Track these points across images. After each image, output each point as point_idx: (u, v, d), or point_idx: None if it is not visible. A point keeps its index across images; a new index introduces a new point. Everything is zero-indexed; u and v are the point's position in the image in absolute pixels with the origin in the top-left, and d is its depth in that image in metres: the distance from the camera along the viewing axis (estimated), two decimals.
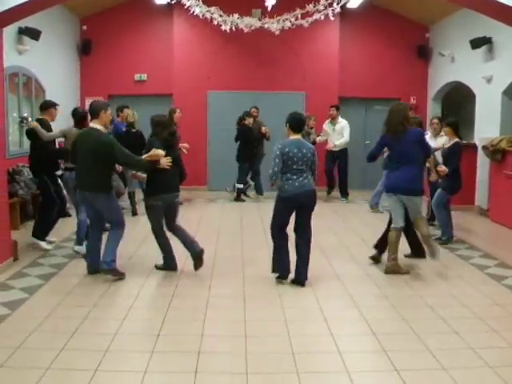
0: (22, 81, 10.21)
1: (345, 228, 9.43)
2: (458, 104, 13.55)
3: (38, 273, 6.44)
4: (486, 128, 10.77)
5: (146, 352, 4.34)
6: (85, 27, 13.44)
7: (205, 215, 10.46)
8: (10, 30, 8.47)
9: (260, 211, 10.73)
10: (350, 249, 7.87)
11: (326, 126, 12.15)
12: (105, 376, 3.96)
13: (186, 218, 10.12)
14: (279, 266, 6.18)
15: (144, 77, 13.74)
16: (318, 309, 5.42)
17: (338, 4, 9.63)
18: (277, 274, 6.22)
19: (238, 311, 5.33)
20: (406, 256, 7.11)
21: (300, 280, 6.09)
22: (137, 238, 8.22)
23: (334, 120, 12.11)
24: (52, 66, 11.62)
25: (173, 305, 5.49)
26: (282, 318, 5.16)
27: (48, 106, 7.95)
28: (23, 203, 9.04)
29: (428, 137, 8.80)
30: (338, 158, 12.05)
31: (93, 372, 3.97)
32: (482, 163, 10.60)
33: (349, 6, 11.58)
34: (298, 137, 6.07)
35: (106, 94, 13.53)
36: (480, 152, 10.48)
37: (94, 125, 6.18)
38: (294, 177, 5.92)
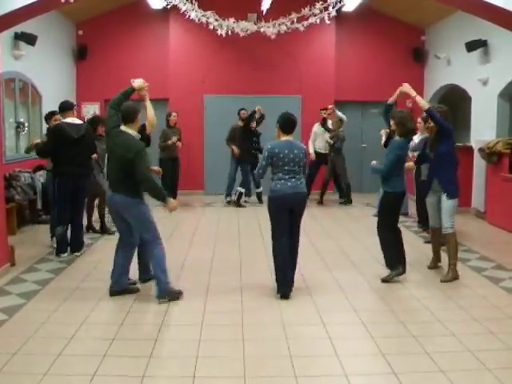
0: (18, 86, 10.21)
1: (341, 231, 9.44)
2: (454, 106, 13.51)
3: (35, 278, 6.43)
4: (482, 130, 10.78)
5: (143, 357, 4.34)
6: (81, 32, 13.44)
7: (202, 219, 10.45)
8: (5, 36, 8.48)
9: (257, 215, 10.72)
10: (346, 252, 7.88)
11: (317, 128, 12.39)
12: (102, 381, 3.95)
13: (183, 222, 10.17)
14: (281, 282, 5.88)
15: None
16: (315, 312, 5.42)
17: (333, 8, 9.61)
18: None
19: (235, 315, 5.33)
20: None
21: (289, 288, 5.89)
22: None
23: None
24: (48, 71, 11.62)
25: (170, 309, 5.49)
26: (279, 321, 5.16)
27: (71, 107, 7.73)
28: (20, 208, 9.03)
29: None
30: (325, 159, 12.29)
31: (90, 377, 3.97)
32: (479, 166, 10.61)
33: (344, 9, 11.55)
34: (289, 138, 5.88)
35: (102, 98, 13.52)
36: (476, 154, 10.49)
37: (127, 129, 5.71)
38: (287, 177, 5.76)
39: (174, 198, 11.49)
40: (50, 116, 8.03)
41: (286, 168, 5.76)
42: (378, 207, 7.16)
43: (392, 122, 6.56)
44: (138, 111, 5.80)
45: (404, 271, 6.46)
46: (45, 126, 10.62)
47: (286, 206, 5.79)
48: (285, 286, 5.87)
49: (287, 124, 5.91)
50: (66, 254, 7.44)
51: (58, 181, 7.37)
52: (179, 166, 12.03)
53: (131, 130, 5.70)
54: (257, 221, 10.07)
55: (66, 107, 7.67)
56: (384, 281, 6.39)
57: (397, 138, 6.50)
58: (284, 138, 5.89)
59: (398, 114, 6.61)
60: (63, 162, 7.34)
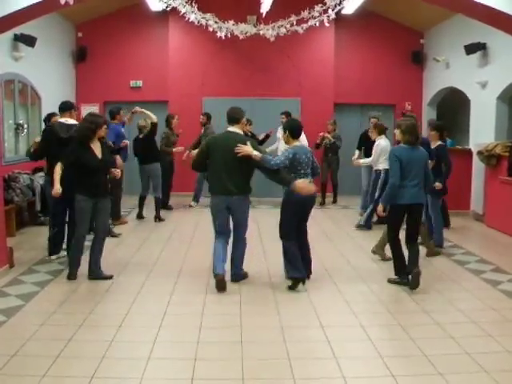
0: (17, 88, 10.22)
1: (339, 234, 9.44)
2: (453, 109, 13.59)
3: (33, 280, 6.42)
4: (481, 133, 10.79)
5: (142, 359, 4.33)
6: (80, 34, 13.47)
7: (200, 221, 10.43)
8: (5, 37, 8.49)
9: (255, 217, 10.71)
10: (345, 255, 7.88)
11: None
12: (101, 383, 3.94)
13: (181, 223, 10.18)
14: (298, 268, 6.15)
15: (139, 83, 13.75)
16: (314, 315, 5.42)
17: (333, 10, 9.63)
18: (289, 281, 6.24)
19: (234, 317, 5.33)
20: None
21: (309, 275, 6.42)
22: (134, 243, 8.23)
23: None
24: (48, 73, 11.62)
25: (169, 311, 5.49)
26: (278, 324, 5.16)
27: (69, 108, 7.59)
28: (19, 210, 9.03)
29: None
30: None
31: (89, 379, 3.96)
32: (478, 168, 10.62)
33: (344, 12, 11.59)
34: (298, 143, 6.29)
35: (102, 100, 13.55)
36: (475, 157, 10.51)
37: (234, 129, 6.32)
38: (307, 181, 6.15)
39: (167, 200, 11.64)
40: (48, 118, 8.02)
41: (303, 172, 6.17)
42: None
43: (398, 131, 6.43)
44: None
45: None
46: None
47: (303, 207, 6.23)
48: (301, 271, 6.20)
49: (298, 130, 6.32)
50: (54, 257, 7.34)
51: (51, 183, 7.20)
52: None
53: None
54: (255, 222, 10.06)
55: (63, 107, 7.57)
56: (390, 281, 6.47)
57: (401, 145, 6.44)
58: (296, 143, 6.26)
59: (404, 123, 6.43)
60: (54, 163, 6.95)
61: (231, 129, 6.30)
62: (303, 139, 7.56)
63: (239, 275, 6.46)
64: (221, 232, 6.34)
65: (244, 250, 6.50)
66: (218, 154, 6.15)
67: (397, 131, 6.42)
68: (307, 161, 6.19)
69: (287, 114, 11.59)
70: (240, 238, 6.43)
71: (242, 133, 6.41)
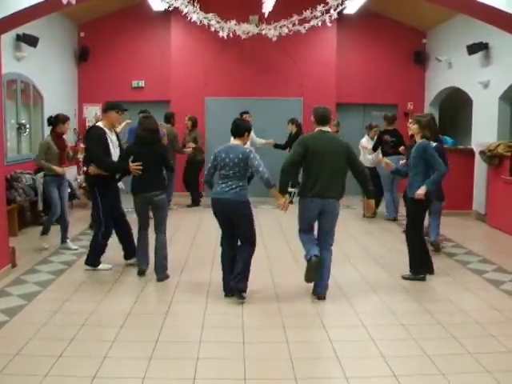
0: (20, 88, 10.22)
1: (344, 235, 9.42)
2: (455, 109, 13.58)
3: (36, 279, 6.43)
4: (483, 133, 10.78)
5: (144, 359, 4.34)
6: (82, 34, 13.46)
7: (203, 221, 10.44)
8: (7, 37, 8.48)
9: (259, 216, 10.70)
10: (348, 255, 7.87)
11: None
12: (103, 383, 3.95)
13: (184, 223, 10.17)
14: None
15: (142, 83, 13.74)
16: (316, 315, 5.42)
17: (335, 10, 9.63)
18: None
19: (236, 317, 5.33)
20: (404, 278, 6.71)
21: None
22: None
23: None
24: (50, 73, 11.63)
25: (171, 311, 5.49)
26: (280, 323, 5.16)
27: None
28: (21, 210, 9.03)
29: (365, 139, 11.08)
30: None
31: (91, 379, 3.97)
32: (480, 168, 10.61)
33: (346, 12, 11.57)
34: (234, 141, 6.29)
35: (104, 100, 13.47)
36: (477, 157, 10.50)
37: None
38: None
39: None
40: (56, 118, 7.87)
41: (223, 172, 6.00)
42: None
43: (415, 127, 6.59)
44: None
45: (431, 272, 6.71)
46: (46, 128, 10.67)
47: None
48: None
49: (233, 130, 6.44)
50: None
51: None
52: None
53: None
54: (257, 222, 10.05)
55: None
56: (405, 278, 6.58)
57: (422, 141, 6.51)
58: (232, 141, 6.41)
59: (424, 118, 6.67)
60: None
61: (325, 129, 5.97)
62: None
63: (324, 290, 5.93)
64: (309, 230, 6.01)
65: (330, 262, 5.93)
66: (319, 156, 5.75)
67: (414, 126, 6.61)
68: (229, 162, 5.84)
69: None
70: (328, 246, 5.95)
71: None
